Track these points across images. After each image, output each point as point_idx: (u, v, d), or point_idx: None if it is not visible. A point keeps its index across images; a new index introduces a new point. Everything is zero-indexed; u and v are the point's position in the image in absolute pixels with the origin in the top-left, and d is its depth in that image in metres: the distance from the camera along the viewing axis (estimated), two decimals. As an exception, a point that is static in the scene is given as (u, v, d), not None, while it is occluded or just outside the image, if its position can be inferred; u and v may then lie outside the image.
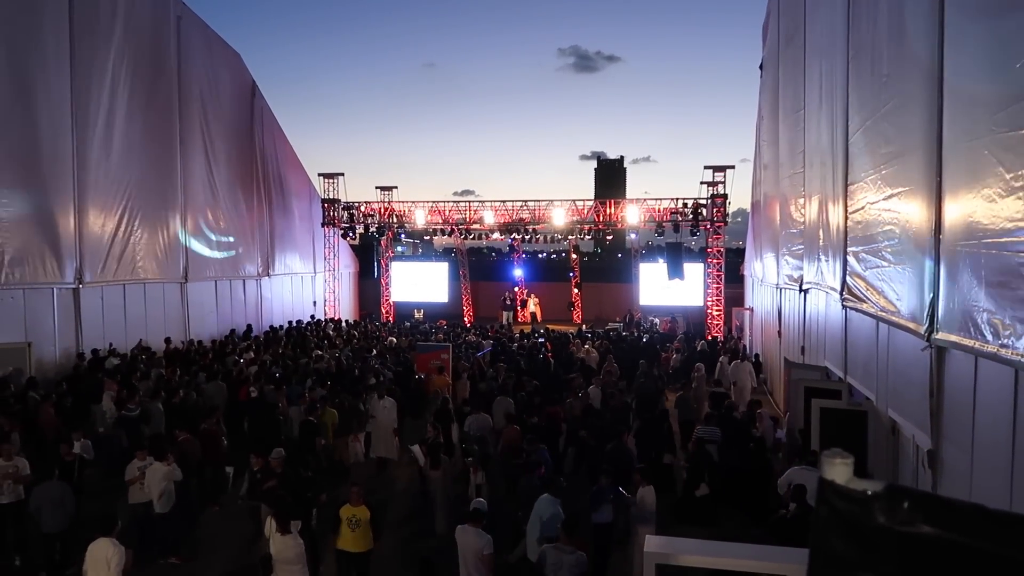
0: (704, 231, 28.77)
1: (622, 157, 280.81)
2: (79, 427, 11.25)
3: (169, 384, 14.71)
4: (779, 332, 18.32)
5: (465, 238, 34.30)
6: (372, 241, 36.32)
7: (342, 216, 31.48)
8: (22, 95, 15.73)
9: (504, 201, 30.40)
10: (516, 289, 36.97)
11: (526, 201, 30.07)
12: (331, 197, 31.64)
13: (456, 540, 7.65)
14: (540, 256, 64.45)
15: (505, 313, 35.57)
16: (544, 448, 10.71)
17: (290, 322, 27.26)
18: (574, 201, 29.86)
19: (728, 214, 28.12)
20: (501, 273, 40.94)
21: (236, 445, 12.33)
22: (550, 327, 29.65)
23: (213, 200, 23.85)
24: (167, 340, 19.94)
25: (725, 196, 27.87)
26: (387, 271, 36.74)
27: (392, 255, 38.25)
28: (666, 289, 31.39)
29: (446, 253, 52.13)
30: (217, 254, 23.95)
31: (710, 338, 26.15)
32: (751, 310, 26.08)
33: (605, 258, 79.76)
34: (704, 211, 27.84)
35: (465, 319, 35.85)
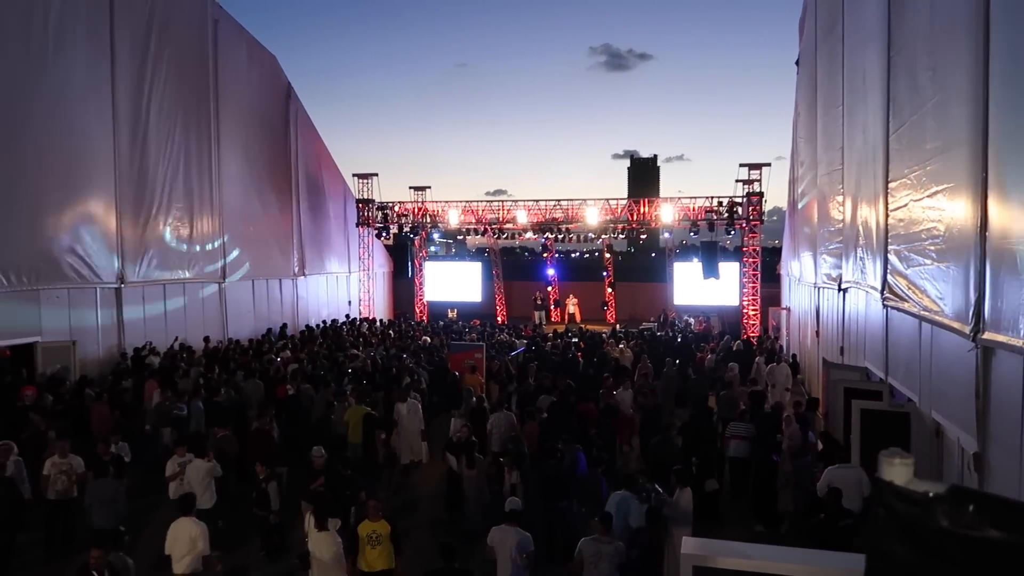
0: (740, 230, 28.42)
1: (655, 156, 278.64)
2: (128, 427, 11.45)
3: (209, 383, 14.95)
4: (817, 332, 18.01)
5: (498, 238, 34.35)
6: (406, 241, 36.57)
7: (376, 216, 31.71)
8: (65, 98, 16.12)
9: (537, 200, 30.48)
10: (549, 289, 36.91)
11: (559, 200, 30.11)
12: (365, 197, 31.90)
13: (491, 541, 7.65)
14: (573, 256, 64.22)
15: (537, 313, 35.56)
16: (579, 448, 10.63)
17: (324, 321, 27.56)
18: (607, 200, 29.77)
19: (764, 212, 27.73)
20: (534, 273, 40.89)
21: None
22: (585, 327, 29.55)
23: (249, 201, 24.23)
24: (206, 339, 20.28)
25: (761, 194, 27.48)
26: (421, 271, 36.93)
27: (426, 255, 38.46)
28: (701, 288, 31.15)
29: (479, 253, 52.21)
30: (253, 254, 24.31)
31: (745, 338, 25.81)
32: (788, 310, 25.67)
33: (639, 257, 79.26)
34: (740, 209, 27.48)
35: (498, 318, 35.91)
